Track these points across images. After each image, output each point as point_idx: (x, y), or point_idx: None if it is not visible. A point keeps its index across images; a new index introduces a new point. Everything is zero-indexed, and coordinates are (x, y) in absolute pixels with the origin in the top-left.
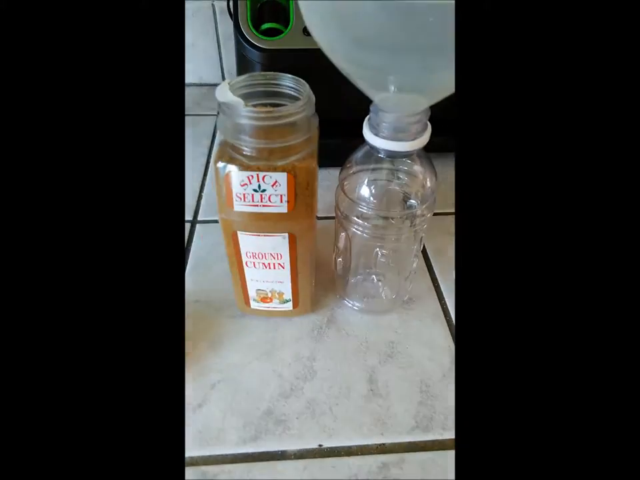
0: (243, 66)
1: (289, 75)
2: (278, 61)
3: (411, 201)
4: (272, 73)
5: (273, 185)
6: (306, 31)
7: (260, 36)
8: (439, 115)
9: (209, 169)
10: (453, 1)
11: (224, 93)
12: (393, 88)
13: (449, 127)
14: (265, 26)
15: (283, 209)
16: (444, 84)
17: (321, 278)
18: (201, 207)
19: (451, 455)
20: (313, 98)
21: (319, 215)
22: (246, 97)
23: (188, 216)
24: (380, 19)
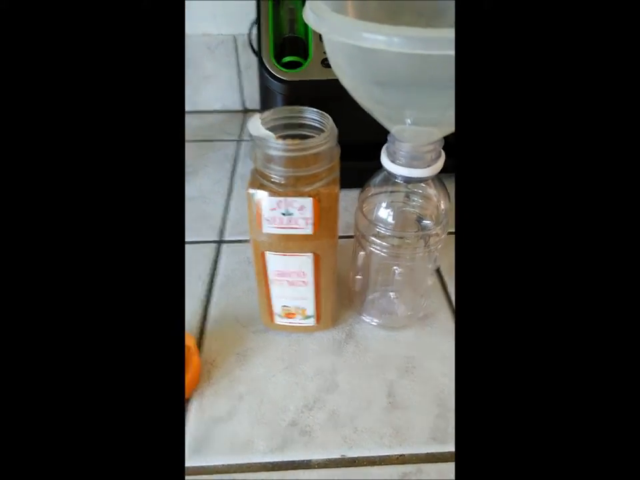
0: (266, 96)
1: (314, 109)
2: (298, 92)
3: (425, 221)
4: (298, 107)
5: (299, 209)
6: (324, 63)
7: (282, 68)
8: (452, 138)
9: (232, 192)
10: None
11: (256, 127)
12: (409, 121)
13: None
14: (286, 59)
15: (308, 230)
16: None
17: (339, 295)
18: (226, 228)
19: None
20: (336, 130)
21: (339, 234)
22: (275, 129)
23: (214, 236)
24: (397, 65)
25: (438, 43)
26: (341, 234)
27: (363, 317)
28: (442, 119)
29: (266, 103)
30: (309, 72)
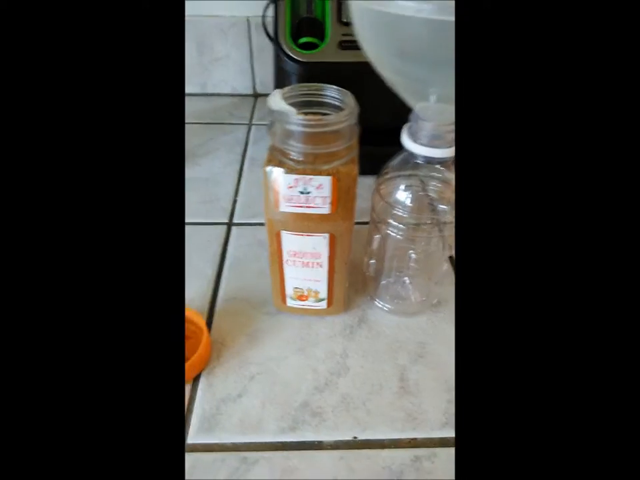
0: (280, 78)
1: (334, 86)
2: (314, 73)
3: (442, 206)
4: (319, 84)
5: (317, 188)
6: (341, 45)
7: (298, 49)
8: None
9: (242, 174)
10: None
11: (277, 102)
12: (433, 98)
13: None
14: (303, 40)
15: (326, 210)
16: None
17: (352, 280)
18: (236, 211)
19: None
20: (357, 108)
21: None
22: (295, 106)
23: (224, 218)
24: (424, 34)
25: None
26: (356, 219)
27: (376, 302)
28: None
29: (280, 84)
30: (326, 54)
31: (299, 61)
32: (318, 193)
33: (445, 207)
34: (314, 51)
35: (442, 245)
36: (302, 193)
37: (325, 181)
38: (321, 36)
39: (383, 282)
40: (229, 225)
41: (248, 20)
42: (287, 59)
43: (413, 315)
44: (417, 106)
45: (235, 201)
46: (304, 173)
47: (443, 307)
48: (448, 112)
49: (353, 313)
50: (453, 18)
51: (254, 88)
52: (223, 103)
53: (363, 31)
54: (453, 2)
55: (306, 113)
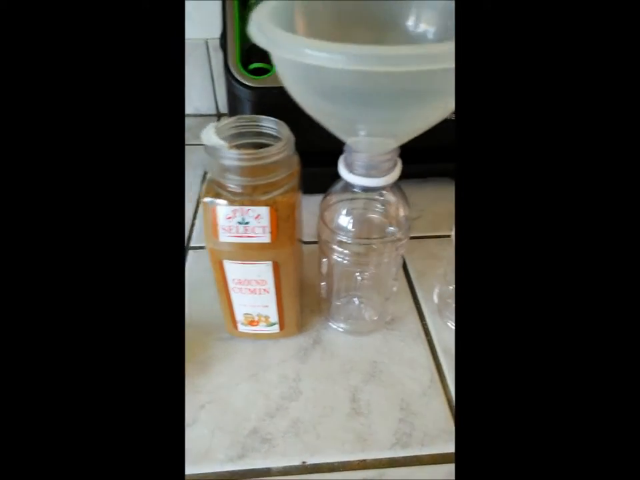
0: (233, 103)
1: (271, 118)
2: (265, 98)
3: (390, 228)
4: (255, 116)
5: (256, 218)
6: None
7: (248, 75)
8: (410, 144)
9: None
10: (409, 69)
11: (209, 137)
12: (362, 133)
13: (420, 155)
14: (253, 66)
15: (266, 239)
16: (411, 129)
17: (307, 301)
18: (193, 234)
19: (428, 469)
20: (293, 138)
21: (307, 240)
22: (232, 138)
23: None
24: (342, 82)
25: (379, 59)
26: (309, 239)
27: (330, 323)
28: (395, 130)
29: (233, 109)
30: (277, 78)
31: (250, 86)
32: (257, 223)
33: (392, 228)
34: (265, 76)
35: (391, 263)
36: (240, 223)
37: (263, 211)
38: (271, 61)
39: (336, 302)
40: (186, 249)
41: (206, 42)
42: (238, 85)
43: (367, 333)
44: (348, 140)
45: (192, 224)
46: (242, 204)
47: (397, 323)
48: (379, 144)
49: (308, 335)
50: (368, 67)
51: (217, 108)
52: (187, 123)
53: (284, 78)
54: (365, 51)
55: (239, 146)
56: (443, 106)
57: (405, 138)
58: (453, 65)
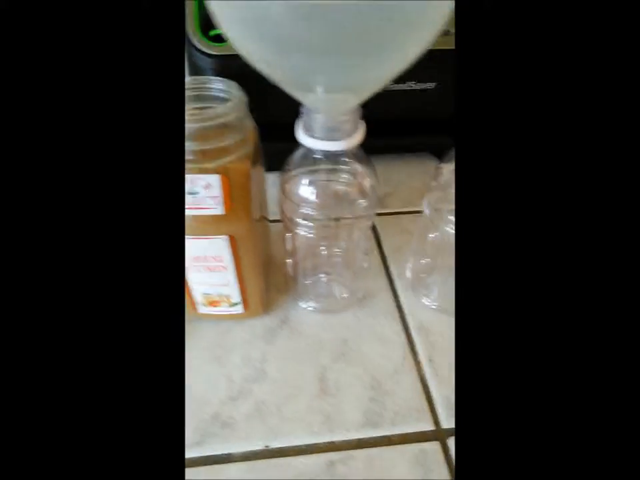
0: (194, 72)
1: (219, 78)
2: (228, 67)
3: (359, 201)
4: (204, 77)
5: (206, 188)
6: None
7: (209, 42)
8: (386, 116)
9: None
10: (360, 1)
11: None
12: (320, 89)
13: (387, 128)
14: (214, 32)
15: (219, 211)
16: (371, 81)
17: (275, 280)
18: None
19: (397, 449)
20: (244, 99)
21: (274, 218)
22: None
23: None
24: (288, 21)
25: None
26: (277, 218)
27: (299, 302)
28: (354, 82)
29: None
30: None
31: (211, 54)
32: (207, 193)
33: (361, 201)
34: (227, 44)
35: (360, 238)
36: (190, 193)
37: (213, 180)
38: None
39: (305, 281)
40: None
41: None
42: (197, 53)
43: (338, 311)
44: (304, 99)
45: None
46: (188, 171)
47: (369, 300)
48: (338, 102)
49: (275, 315)
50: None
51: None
52: None
53: (226, 28)
54: None
55: (190, 109)
56: (401, 49)
57: (366, 93)
58: None
